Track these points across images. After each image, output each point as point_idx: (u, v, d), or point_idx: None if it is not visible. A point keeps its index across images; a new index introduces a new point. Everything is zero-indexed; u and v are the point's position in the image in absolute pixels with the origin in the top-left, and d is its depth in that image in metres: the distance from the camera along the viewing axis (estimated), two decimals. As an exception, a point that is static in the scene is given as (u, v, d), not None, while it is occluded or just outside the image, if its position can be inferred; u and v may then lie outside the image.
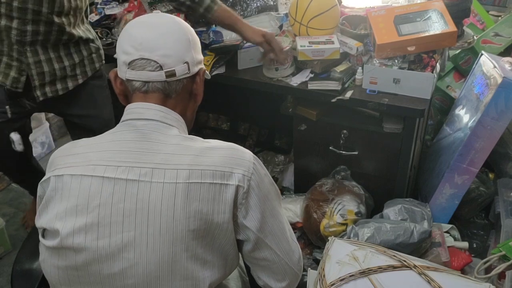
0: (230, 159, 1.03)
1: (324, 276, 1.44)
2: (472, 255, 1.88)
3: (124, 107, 1.13)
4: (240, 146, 1.09)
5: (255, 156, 1.08)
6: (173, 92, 1.10)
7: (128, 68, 1.07)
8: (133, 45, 1.07)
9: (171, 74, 1.07)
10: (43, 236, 1.07)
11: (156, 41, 1.07)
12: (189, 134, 1.15)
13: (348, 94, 1.79)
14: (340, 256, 1.51)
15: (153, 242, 0.99)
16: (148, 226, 0.99)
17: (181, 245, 0.99)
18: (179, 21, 1.14)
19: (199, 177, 1.00)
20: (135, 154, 1.03)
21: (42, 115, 3.07)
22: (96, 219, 1.00)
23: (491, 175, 2.20)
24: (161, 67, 1.06)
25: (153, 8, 2.00)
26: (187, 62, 1.10)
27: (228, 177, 1.01)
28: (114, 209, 1.00)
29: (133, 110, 1.08)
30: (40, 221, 1.06)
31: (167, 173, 1.00)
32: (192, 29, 1.15)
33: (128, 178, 1.00)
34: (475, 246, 2.05)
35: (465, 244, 1.88)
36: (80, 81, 1.86)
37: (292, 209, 2.05)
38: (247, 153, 1.07)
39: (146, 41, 1.06)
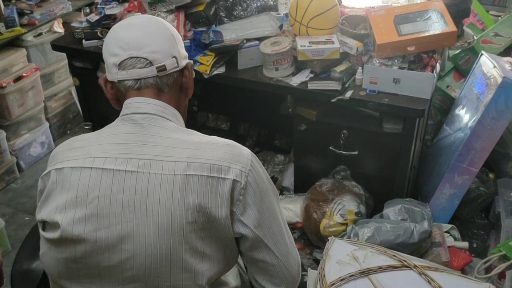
0: (228, 155, 1.04)
1: (324, 276, 1.44)
2: (472, 255, 1.88)
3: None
4: (238, 144, 1.10)
5: (253, 154, 1.09)
6: (165, 87, 1.12)
7: (118, 69, 1.09)
8: (120, 46, 1.09)
9: (162, 68, 1.09)
10: (43, 229, 1.08)
11: (143, 39, 1.09)
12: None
13: (348, 94, 1.79)
14: (340, 256, 1.51)
15: (152, 233, 1.00)
16: (147, 217, 1.00)
17: (179, 237, 1.00)
18: (161, 19, 1.18)
19: (197, 170, 1.01)
20: (134, 146, 1.04)
21: (42, 114, 3.07)
22: (95, 210, 1.01)
23: (491, 175, 2.19)
24: (151, 63, 1.08)
25: (153, 8, 2.00)
26: (175, 56, 1.12)
27: (225, 171, 1.02)
28: (113, 200, 1.01)
29: (131, 104, 1.10)
30: (41, 214, 1.07)
31: (165, 165, 1.01)
32: (173, 27, 1.18)
33: (126, 170, 1.01)
34: (475, 246, 2.05)
35: (465, 244, 1.87)
36: None
37: (292, 209, 2.04)
38: (245, 150, 1.08)
39: (133, 40, 1.09)
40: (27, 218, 2.68)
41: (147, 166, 1.01)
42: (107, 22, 2.20)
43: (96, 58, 2.20)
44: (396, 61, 1.78)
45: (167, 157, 1.02)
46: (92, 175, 1.02)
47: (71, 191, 1.03)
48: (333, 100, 1.80)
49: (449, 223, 1.96)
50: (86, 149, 1.07)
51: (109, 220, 1.01)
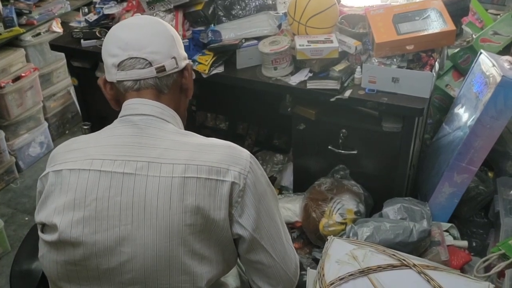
0: (227, 157, 1.04)
1: (323, 275, 1.44)
2: (472, 254, 1.88)
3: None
4: (237, 145, 1.09)
5: (252, 155, 1.09)
6: (165, 88, 1.12)
7: (117, 70, 1.09)
8: (120, 46, 1.09)
9: (161, 69, 1.09)
10: (42, 231, 1.08)
11: (142, 40, 1.09)
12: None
13: (347, 93, 1.79)
14: (339, 255, 1.51)
15: (150, 235, 1.00)
16: (145, 219, 1.00)
17: (177, 240, 1.00)
18: (161, 20, 1.18)
19: (195, 172, 1.00)
20: (132, 148, 1.04)
21: (41, 114, 3.06)
22: (93, 212, 1.01)
23: (490, 174, 2.19)
24: (150, 64, 1.08)
25: (152, 8, 2.00)
26: (174, 57, 1.12)
27: (224, 173, 1.02)
28: (111, 202, 1.00)
29: (130, 106, 1.10)
30: (39, 216, 1.07)
31: (163, 168, 1.01)
32: (173, 28, 1.18)
33: (124, 172, 1.01)
34: (474, 245, 2.05)
35: (464, 243, 1.87)
36: None
37: (291, 208, 2.04)
38: (244, 152, 1.08)
39: (132, 41, 1.09)
40: (27, 218, 2.68)
41: (145, 168, 1.01)
42: (106, 21, 2.19)
43: (94, 58, 2.20)
44: (395, 60, 1.78)
45: (165, 159, 1.01)
46: (90, 177, 1.02)
47: (69, 193, 1.02)
48: (332, 99, 1.80)
49: (449, 222, 1.96)
50: (84, 150, 1.06)
51: (107, 223, 1.00)
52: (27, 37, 2.91)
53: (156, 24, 1.15)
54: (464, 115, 1.99)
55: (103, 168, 1.02)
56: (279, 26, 1.98)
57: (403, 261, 1.47)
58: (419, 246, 1.73)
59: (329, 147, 1.95)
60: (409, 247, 1.68)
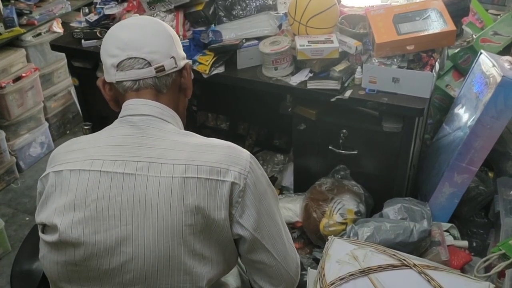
0: (227, 157, 1.04)
1: (324, 275, 1.44)
2: (472, 254, 1.88)
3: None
4: (237, 145, 1.10)
5: (252, 156, 1.09)
6: (164, 87, 1.12)
7: (116, 70, 1.09)
8: (118, 47, 1.09)
9: (160, 69, 1.09)
10: (43, 232, 1.08)
11: (141, 40, 1.09)
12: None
13: (348, 94, 1.79)
14: (340, 255, 1.51)
15: (150, 235, 1.00)
16: (145, 219, 1.00)
17: (178, 240, 1.00)
18: (159, 20, 1.19)
19: (195, 172, 1.00)
20: (132, 148, 1.04)
21: (42, 114, 3.07)
22: (93, 213, 1.01)
23: (490, 174, 2.20)
24: (149, 64, 1.08)
25: (152, 8, 2.00)
26: (173, 57, 1.12)
27: (224, 174, 1.02)
28: (111, 202, 1.00)
29: (130, 106, 1.10)
30: (40, 217, 1.07)
31: (164, 168, 1.01)
32: (171, 28, 1.18)
33: (125, 172, 1.01)
34: (474, 245, 2.05)
35: (464, 243, 1.88)
36: None
37: (291, 208, 2.04)
38: (244, 152, 1.08)
39: (131, 41, 1.09)
40: (27, 219, 2.68)
41: (145, 168, 1.01)
42: (106, 22, 2.19)
43: (95, 58, 2.20)
44: (395, 60, 1.78)
45: (165, 160, 1.02)
46: (91, 178, 1.02)
47: (69, 194, 1.02)
48: (333, 100, 1.80)
49: (449, 222, 1.96)
50: (84, 151, 1.06)
51: (107, 223, 1.00)
52: (28, 37, 2.92)
53: (154, 24, 1.15)
54: (464, 115, 1.99)
55: (104, 168, 1.02)
56: (280, 26, 1.98)
57: (404, 261, 1.48)
58: (420, 246, 1.73)
59: (329, 147, 1.95)
60: (409, 247, 1.68)
